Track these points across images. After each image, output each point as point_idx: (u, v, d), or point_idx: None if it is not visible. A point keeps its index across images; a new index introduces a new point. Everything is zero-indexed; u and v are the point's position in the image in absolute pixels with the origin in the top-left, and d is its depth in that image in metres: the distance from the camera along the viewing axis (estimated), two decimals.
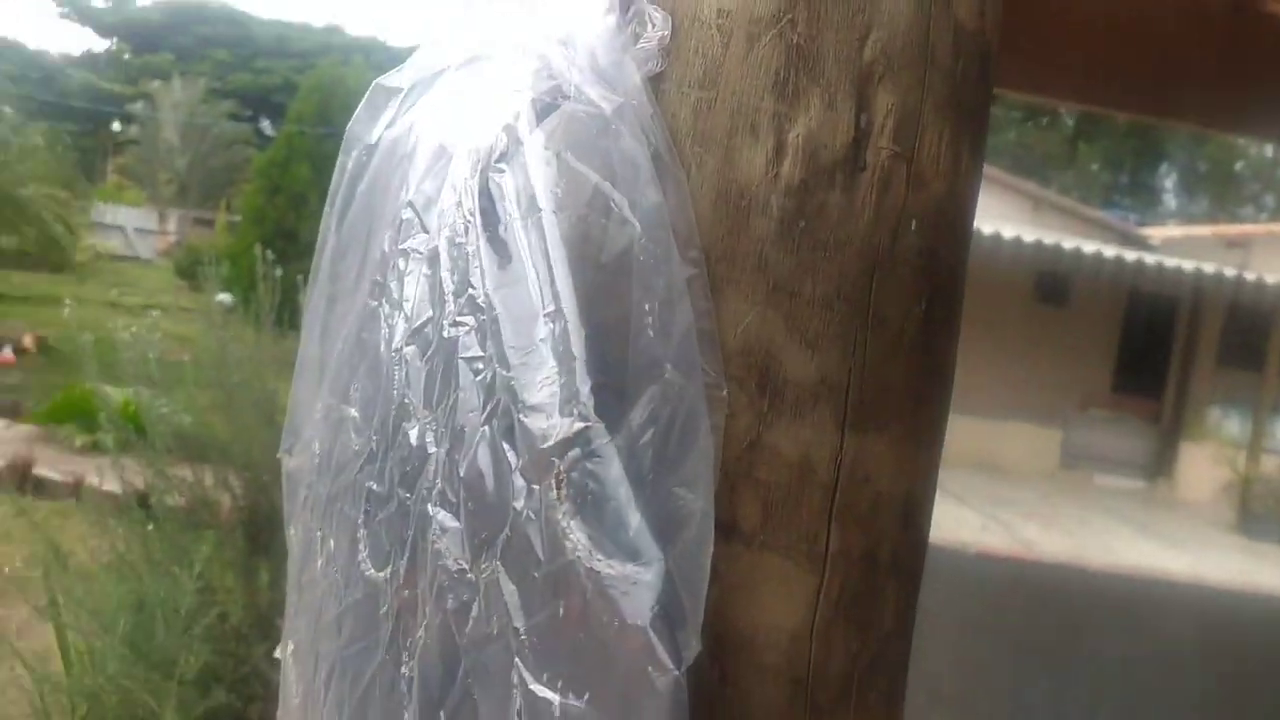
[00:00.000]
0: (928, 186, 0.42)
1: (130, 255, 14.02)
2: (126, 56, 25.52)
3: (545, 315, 0.37)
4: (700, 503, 0.38)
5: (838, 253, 0.40)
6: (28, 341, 7.12)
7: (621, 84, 0.39)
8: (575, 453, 0.36)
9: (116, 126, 23.11)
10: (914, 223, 0.41)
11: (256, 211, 8.56)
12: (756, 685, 0.42)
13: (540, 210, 0.39)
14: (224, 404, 2.89)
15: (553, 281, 0.38)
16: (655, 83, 0.40)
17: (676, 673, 0.35)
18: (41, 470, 4.15)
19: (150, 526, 2.38)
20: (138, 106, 19.63)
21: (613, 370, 0.38)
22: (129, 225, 15.08)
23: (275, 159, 8.76)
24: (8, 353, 6.65)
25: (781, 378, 0.41)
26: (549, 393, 0.37)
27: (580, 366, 0.37)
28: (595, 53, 0.40)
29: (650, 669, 0.35)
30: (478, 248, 0.40)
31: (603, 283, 0.38)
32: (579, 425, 0.36)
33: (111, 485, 2.81)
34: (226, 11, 25.69)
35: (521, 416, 0.37)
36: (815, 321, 0.41)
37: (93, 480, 3.43)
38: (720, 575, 0.40)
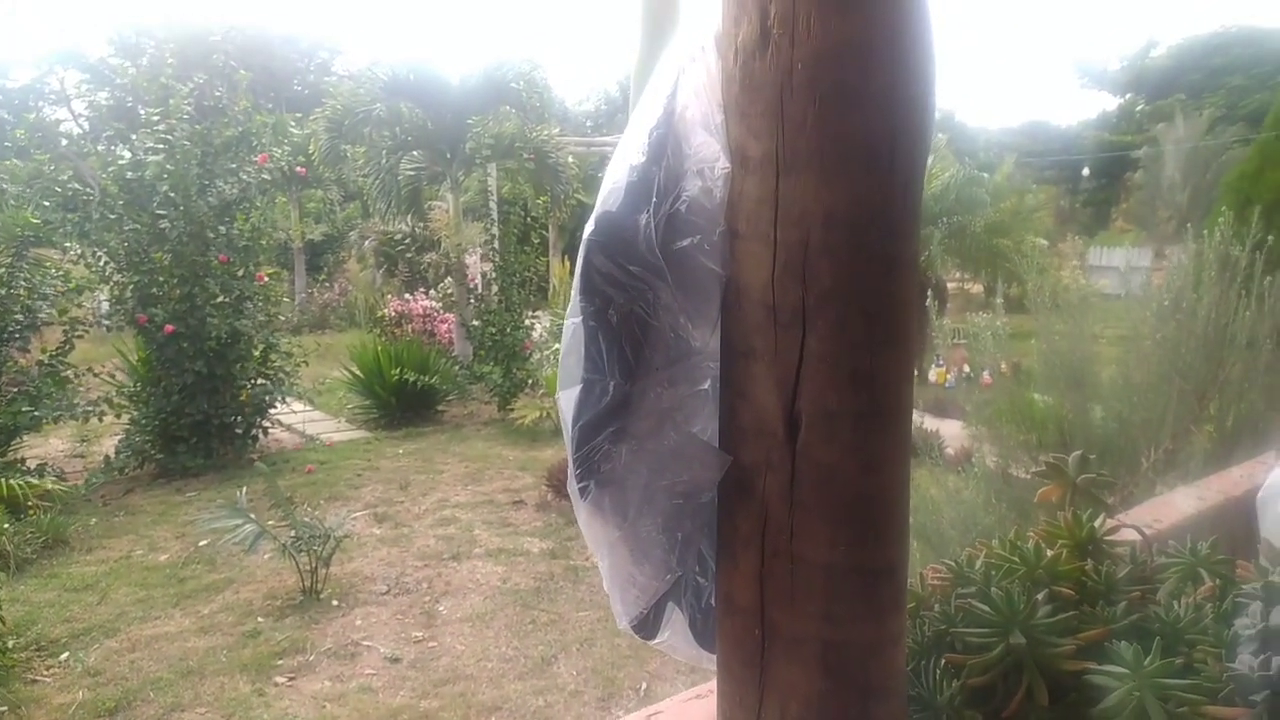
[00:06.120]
0: (804, 46, 0.78)
1: (1122, 293, 14.73)
2: (1138, 108, 26.49)
3: None
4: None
5: (762, 89, 0.82)
6: (1004, 368, 8.55)
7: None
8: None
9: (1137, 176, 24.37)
10: (800, 65, 0.79)
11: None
12: (749, 310, 0.85)
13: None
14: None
15: None
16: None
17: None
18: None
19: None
20: (1140, 153, 20.36)
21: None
22: (1123, 265, 15.84)
23: (1245, 170, 8.23)
24: (986, 376, 8.15)
25: (747, 156, 0.84)
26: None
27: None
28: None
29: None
30: None
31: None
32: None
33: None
34: (1242, 35, 24.22)
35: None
36: (757, 125, 0.83)
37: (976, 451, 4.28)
38: (735, 257, 0.86)
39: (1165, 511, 1.72)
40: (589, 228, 0.84)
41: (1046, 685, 0.92)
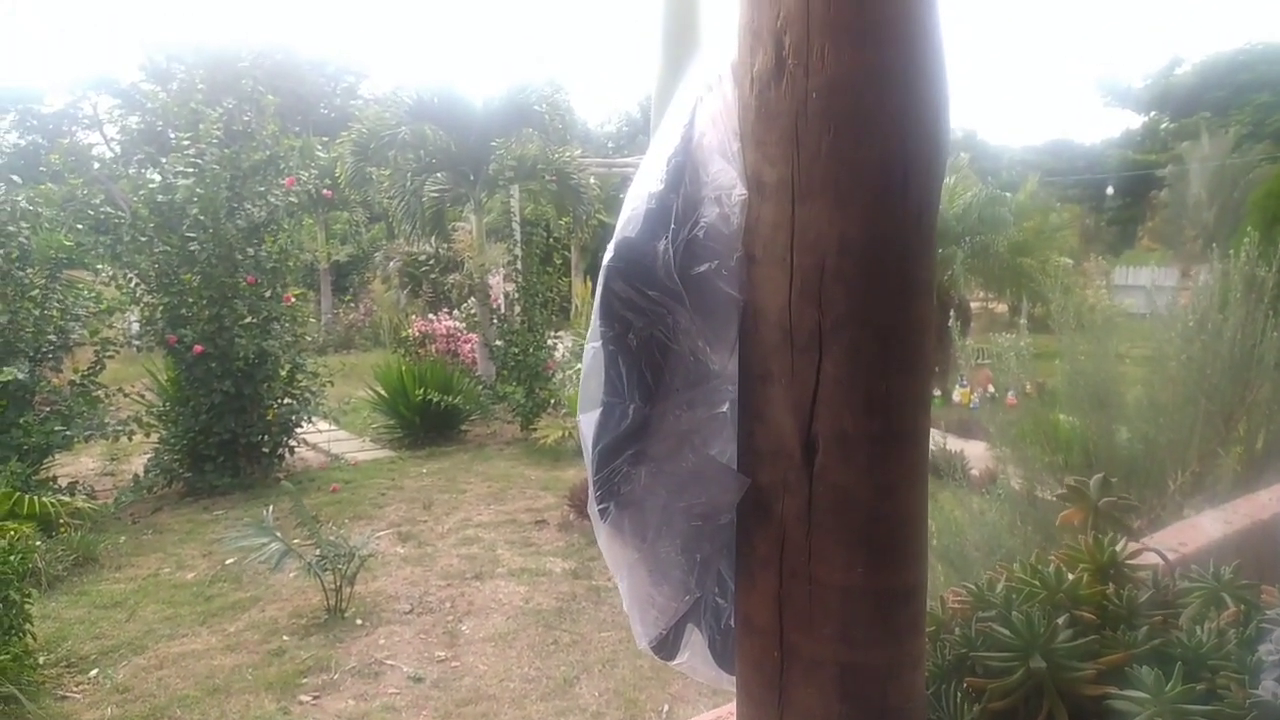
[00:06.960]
0: (818, 75, 0.80)
1: (1147, 313, 14.51)
2: (1163, 126, 26.26)
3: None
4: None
5: (778, 118, 0.83)
6: (1029, 388, 8.49)
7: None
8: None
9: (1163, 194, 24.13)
10: (814, 94, 0.81)
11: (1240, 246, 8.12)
12: (766, 334, 0.87)
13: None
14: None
15: None
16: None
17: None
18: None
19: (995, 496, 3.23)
20: (1166, 171, 20.17)
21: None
22: (1148, 284, 15.70)
23: (1273, 189, 8.15)
24: (1010, 397, 8.09)
25: (763, 183, 0.86)
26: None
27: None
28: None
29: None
30: None
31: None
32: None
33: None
34: (1268, 52, 23.98)
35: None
36: (773, 152, 0.84)
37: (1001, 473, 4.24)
38: (752, 282, 0.88)
39: (1191, 535, 1.70)
40: (609, 254, 0.85)
41: (1067, 710, 0.92)
